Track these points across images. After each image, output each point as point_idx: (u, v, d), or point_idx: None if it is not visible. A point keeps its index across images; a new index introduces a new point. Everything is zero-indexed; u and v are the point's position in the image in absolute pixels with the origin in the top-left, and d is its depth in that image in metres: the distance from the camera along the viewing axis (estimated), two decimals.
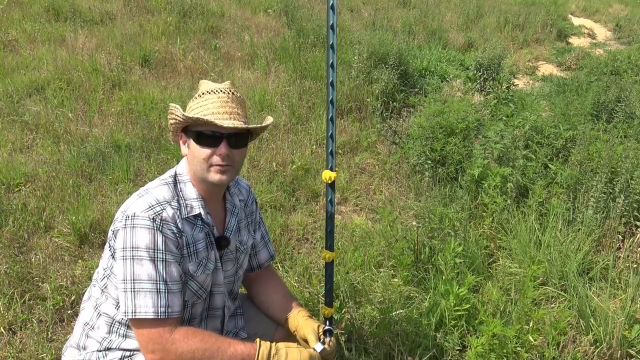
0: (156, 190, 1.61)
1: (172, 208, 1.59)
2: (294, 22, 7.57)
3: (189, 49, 6.37)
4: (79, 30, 6.55)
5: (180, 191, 1.65)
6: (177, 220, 1.58)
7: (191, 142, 1.63)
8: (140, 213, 1.53)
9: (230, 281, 1.85)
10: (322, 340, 1.76)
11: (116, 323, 1.66)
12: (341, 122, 5.12)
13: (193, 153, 1.62)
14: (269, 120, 1.74)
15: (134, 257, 1.51)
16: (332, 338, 1.80)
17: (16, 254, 3.01)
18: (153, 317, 1.50)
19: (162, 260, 1.53)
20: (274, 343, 1.63)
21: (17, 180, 3.66)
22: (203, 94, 1.62)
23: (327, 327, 1.82)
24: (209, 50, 6.49)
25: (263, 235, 2.00)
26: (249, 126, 1.61)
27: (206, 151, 1.59)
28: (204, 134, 1.58)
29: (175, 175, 1.69)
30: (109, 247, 1.63)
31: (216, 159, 1.59)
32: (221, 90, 1.61)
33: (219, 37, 7.07)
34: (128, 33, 6.56)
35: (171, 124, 1.67)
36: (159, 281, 1.51)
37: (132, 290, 1.50)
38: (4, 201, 3.40)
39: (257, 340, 1.61)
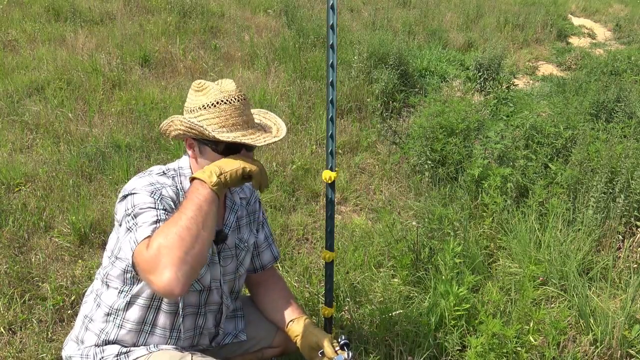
0: (157, 176, 1.65)
1: (172, 191, 1.62)
2: (294, 22, 7.57)
3: (189, 49, 6.37)
4: (79, 30, 6.55)
5: (180, 183, 1.67)
6: (176, 202, 1.61)
7: (207, 150, 1.63)
8: (140, 187, 1.57)
9: (231, 279, 1.85)
10: (336, 350, 1.73)
11: (114, 312, 1.67)
12: (341, 122, 5.12)
13: (210, 160, 1.62)
14: (283, 130, 1.73)
15: (136, 213, 1.51)
16: (351, 353, 1.74)
17: (16, 254, 3.01)
18: (150, 234, 1.44)
19: (165, 211, 1.53)
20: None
21: (17, 180, 3.66)
22: (217, 103, 1.59)
23: (344, 341, 1.77)
24: (209, 50, 6.49)
25: (267, 236, 2.00)
26: (277, 139, 1.65)
27: None
28: (227, 144, 1.60)
29: (177, 169, 1.71)
30: (116, 231, 1.65)
31: None
32: (235, 99, 1.61)
33: (219, 37, 7.07)
34: (128, 33, 6.56)
35: (184, 133, 1.65)
36: (160, 217, 1.51)
37: (136, 229, 1.48)
38: (4, 201, 3.40)
39: (191, 179, 1.54)
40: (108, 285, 1.69)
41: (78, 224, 3.17)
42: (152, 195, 1.55)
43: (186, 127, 1.60)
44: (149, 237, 1.43)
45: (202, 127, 1.56)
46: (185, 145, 1.69)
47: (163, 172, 1.68)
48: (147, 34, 6.62)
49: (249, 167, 1.54)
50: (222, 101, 1.59)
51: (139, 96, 5.05)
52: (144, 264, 1.38)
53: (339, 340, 1.77)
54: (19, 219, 3.24)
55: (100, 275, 1.74)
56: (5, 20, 6.62)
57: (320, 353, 1.76)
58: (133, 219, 1.51)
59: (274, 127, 1.73)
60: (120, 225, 1.57)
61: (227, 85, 1.64)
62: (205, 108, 1.60)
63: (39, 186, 3.62)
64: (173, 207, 1.58)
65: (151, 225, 1.47)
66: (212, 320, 1.83)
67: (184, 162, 1.72)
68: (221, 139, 1.55)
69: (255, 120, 1.73)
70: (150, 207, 1.52)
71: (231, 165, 1.53)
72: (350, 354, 1.73)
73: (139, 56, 5.95)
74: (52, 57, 5.64)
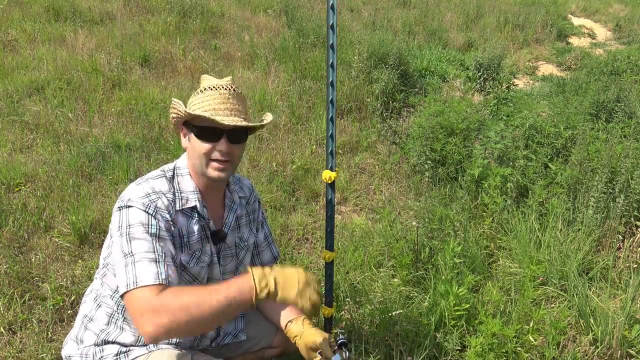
0: (154, 181, 1.64)
1: (167, 199, 1.61)
2: (294, 22, 7.57)
3: (189, 49, 6.37)
4: (79, 30, 6.55)
5: (178, 184, 1.67)
6: (171, 211, 1.61)
7: (192, 136, 1.65)
8: (136, 199, 1.56)
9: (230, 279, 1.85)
10: (334, 350, 1.73)
11: (115, 313, 1.67)
12: (341, 122, 5.12)
13: (193, 147, 1.65)
14: (269, 118, 1.77)
15: (130, 233, 1.52)
16: (349, 352, 1.74)
17: (16, 254, 3.01)
18: (153, 283, 1.46)
19: (157, 235, 1.54)
20: (267, 268, 1.54)
21: (17, 180, 3.66)
22: (205, 89, 1.64)
23: (341, 340, 1.76)
24: (209, 50, 6.49)
25: (266, 236, 2.00)
26: (250, 124, 1.64)
27: (206, 146, 1.61)
28: (205, 129, 1.61)
29: (174, 169, 1.71)
30: (110, 236, 1.65)
31: (216, 154, 1.62)
32: (222, 87, 1.63)
33: (219, 37, 7.07)
34: (128, 33, 6.56)
35: (173, 117, 1.69)
36: (157, 253, 1.51)
37: (133, 263, 1.49)
38: (4, 201, 3.40)
39: (248, 268, 1.52)
40: (106, 287, 1.69)
41: (78, 224, 3.17)
42: (147, 210, 1.54)
43: (171, 108, 1.66)
44: (154, 285, 1.44)
45: (178, 103, 1.61)
46: (181, 136, 1.72)
47: (162, 172, 1.69)
48: (147, 34, 6.62)
49: (301, 304, 1.49)
50: (208, 88, 1.63)
51: (139, 96, 5.05)
52: (140, 304, 1.42)
53: (337, 339, 1.77)
54: (19, 219, 3.24)
55: (99, 275, 1.75)
56: (5, 20, 6.62)
57: (318, 353, 1.75)
58: (128, 242, 1.51)
59: (262, 122, 1.76)
60: (111, 232, 1.58)
61: (222, 79, 1.69)
62: (195, 95, 1.66)
63: (39, 186, 3.62)
64: (168, 218, 1.58)
65: (150, 265, 1.47)
66: None
67: (182, 162, 1.73)
68: (189, 111, 1.59)
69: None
70: (144, 233, 1.51)
71: (289, 291, 1.47)
72: (347, 354, 1.73)
73: (139, 56, 5.95)
74: (52, 57, 5.64)
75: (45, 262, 2.96)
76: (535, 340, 2.38)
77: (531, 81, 7.69)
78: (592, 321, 2.56)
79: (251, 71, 6.10)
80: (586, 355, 2.46)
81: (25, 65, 5.49)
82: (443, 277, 2.69)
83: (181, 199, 1.65)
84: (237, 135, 1.64)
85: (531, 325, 2.43)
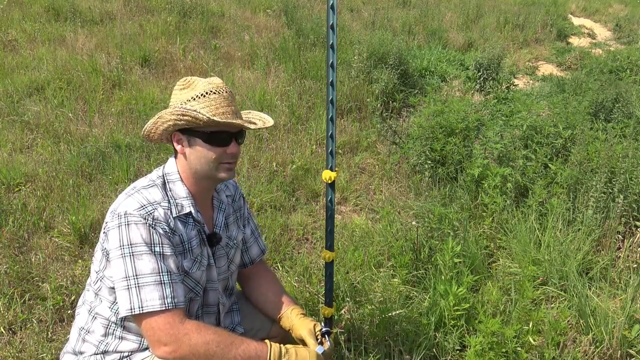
0: (146, 190, 1.61)
1: (163, 208, 1.59)
2: (294, 22, 7.58)
3: (189, 49, 6.37)
4: (79, 30, 6.56)
5: (170, 191, 1.65)
6: (169, 220, 1.59)
7: (197, 142, 1.62)
8: (133, 211, 1.53)
9: (225, 277, 1.86)
10: (319, 340, 1.75)
11: (112, 324, 1.66)
12: (341, 122, 5.12)
13: (200, 153, 1.62)
14: (271, 121, 1.78)
15: (133, 254, 1.51)
16: (331, 339, 1.78)
17: (16, 254, 3.01)
18: (160, 308, 1.50)
19: (160, 254, 1.54)
20: (282, 345, 1.64)
21: (17, 180, 3.66)
22: (207, 93, 1.61)
23: (324, 329, 1.80)
24: (209, 50, 6.49)
25: (253, 231, 2.01)
26: (267, 125, 1.73)
27: (218, 150, 1.62)
28: (218, 134, 1.61)
29: (164, 176, 1.68)
30: (102, 249, 1.61)
31: (226, 157, 1.64)
32: (223, 90, 1.64)
33: (219, 37, 7.08)
34: (128, 33, 6.56)
35: (177, 123, 1.61)
36: (162, 273, 1.52)
37: (137, 285, 1.50)
38: (4, 201, 3.40)
39: (267, 341, 1.62)
40: (102, 299, 1.67)
41: (78, 224, 3.17)
42: (146, 222, 1.53)
43: (177, 115, 1.57)
44: (168, 312, 1.50)
45: (195, 111, 1.55)
46: (174, 143, 1.66)
47: (151, 181, 1.65)
48: (147, 34, 6.62)
49: None
50: (211, 91, 1.61)
51: (139, 96, 5.06)
52: (159, 328, 1.50)
53: (322, 329, 1.79)
54: (19, 219, 3.24)
55: (92, 288, 1.71)
56: (5, 20, 6.62)
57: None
58: (131, 263, 1.50)
59: (259, 122, 1.75)
60: (109, 250, 1.55)
61: (215, 79, 1.67)
62: (194, 99, 1.60)
63: (39, 186, 3.62)
64: (167, 230, 1.57)
65: (156, 288, 1.50)
66: (212, 320, 1.83)
67: (170, 167, 1.69)
68: (216, 119, 1.55)
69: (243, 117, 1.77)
70: (148, 253, 1.52)
71: (303, 355, 1.63)
72: (330, 343, 1.76)
73: (139, 56, 5.95)
74: (52, 57, 5.65)
75: (45, 262, 2.96)
76: (535, 340, 2.39)
77: (531, 81, 7.69)
78: (592, 321, 2.56)
79: (251, 71, 6.10)
80: (586, 355, 2.46)
81: (25, 65, 5.49)
82: (443, 277, 2.69)
83: (176, 205, 1.64)
84: (242, 137, 1.69)
85: (531, 325, 2.43)
